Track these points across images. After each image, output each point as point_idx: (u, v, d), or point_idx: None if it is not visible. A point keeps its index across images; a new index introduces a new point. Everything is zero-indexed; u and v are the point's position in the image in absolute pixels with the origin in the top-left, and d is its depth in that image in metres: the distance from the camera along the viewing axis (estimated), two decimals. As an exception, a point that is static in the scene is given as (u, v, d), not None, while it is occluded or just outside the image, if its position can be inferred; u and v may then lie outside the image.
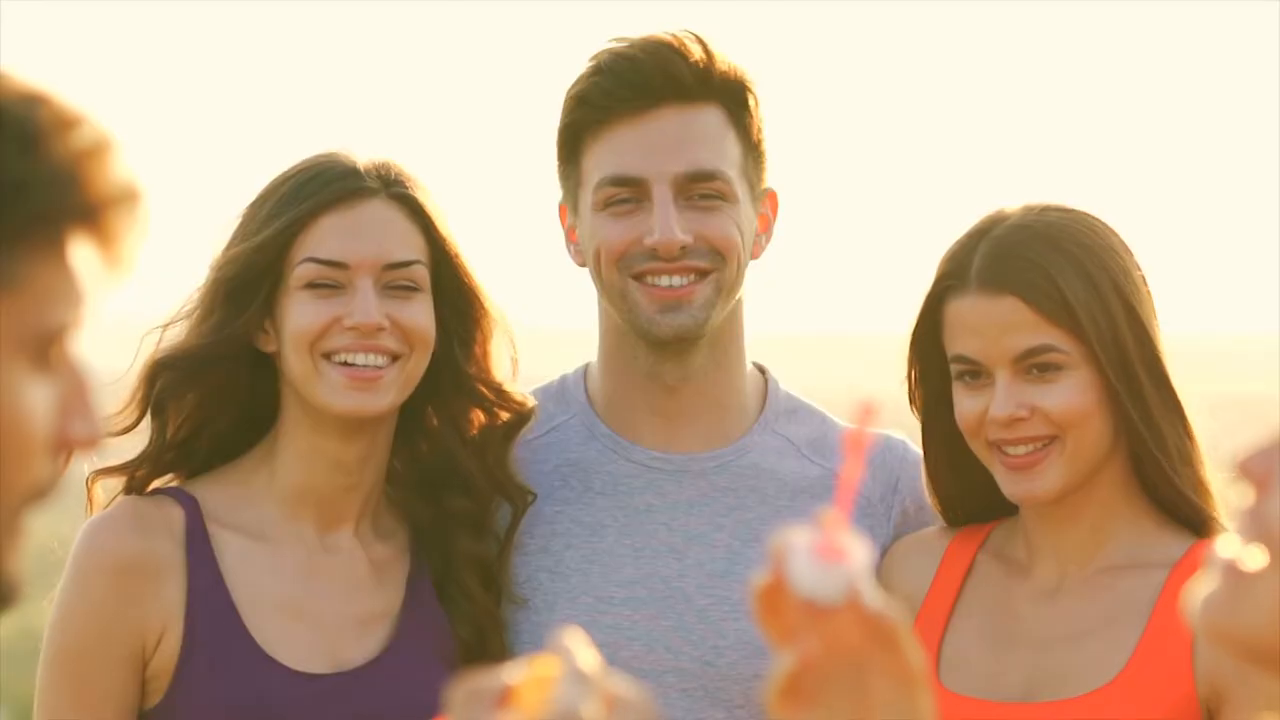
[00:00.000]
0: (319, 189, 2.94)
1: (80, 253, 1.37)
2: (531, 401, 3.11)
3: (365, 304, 2.91)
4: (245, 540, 2.99)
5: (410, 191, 2.97)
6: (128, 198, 1.39)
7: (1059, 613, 2.95)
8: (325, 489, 3.00)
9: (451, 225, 3.02)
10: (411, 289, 2.95)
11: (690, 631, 3.06)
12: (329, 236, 2.93)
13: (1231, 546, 1.49)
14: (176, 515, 2.97)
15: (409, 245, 2.96)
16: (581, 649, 1.43)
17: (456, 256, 3.00)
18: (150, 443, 3.00)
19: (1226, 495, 2.87)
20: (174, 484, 3.03)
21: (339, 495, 3.00)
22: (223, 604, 2.94)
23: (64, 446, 1.40)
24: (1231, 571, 1.48)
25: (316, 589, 2.98)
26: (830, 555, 1.45)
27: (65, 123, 1.37)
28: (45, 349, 1.37)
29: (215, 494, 3.01)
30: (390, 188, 2.96)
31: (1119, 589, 2.94)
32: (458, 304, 3.01)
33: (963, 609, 3.01)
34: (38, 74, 1.41)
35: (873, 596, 1.46)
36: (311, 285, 2.93)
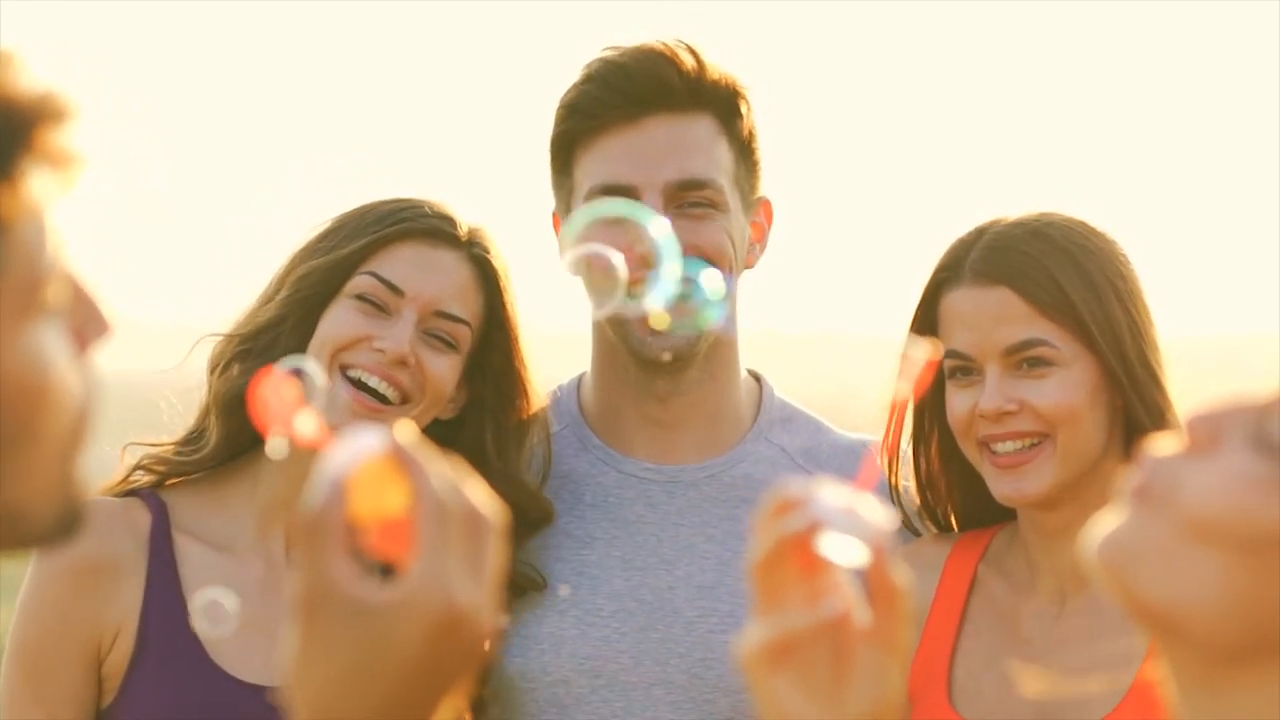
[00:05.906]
0: (411, 219, 2.96)
1: (36, 186, 1.31)
2: (550, 506, 3.08)
3: (401, 333, 2.92)
4: (209, 551, 3.00)
5: (491, 259, 2.99)
6: (47, 101, 1.32)
7: (1064, 635, 2.94)
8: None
9: (521, 308, 3.01)
10: (449, 344, 2.96)
11: (679, 644, 3.05)
12: (399, 261, 2.94)
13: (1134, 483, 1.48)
14: (143, 519, 2.99)
15: (466, 304, 2.97)
16: (408, 436, 1.38)
17: (515, 339, 3.01)
18: (203, 449, 2.99)
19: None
20: (146, 486, 3.03)
21: None
22: (177, 610, 2.94)
23: (84, 349, 1.37)
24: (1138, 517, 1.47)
25: (275, 602, 2.97)
26: (860, 514, 1.48)
27: None
28: (43, 294, 1.33)
29: (187, 502, 3.02)
30: (474, 248, 2.98)
31: (1120, 609, 2.91)
32: (501, 385, 3.02)
33: (969, 629, 3.00)
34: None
35: (894, 557, 1.49)
36: (361, 297, 2.94)
